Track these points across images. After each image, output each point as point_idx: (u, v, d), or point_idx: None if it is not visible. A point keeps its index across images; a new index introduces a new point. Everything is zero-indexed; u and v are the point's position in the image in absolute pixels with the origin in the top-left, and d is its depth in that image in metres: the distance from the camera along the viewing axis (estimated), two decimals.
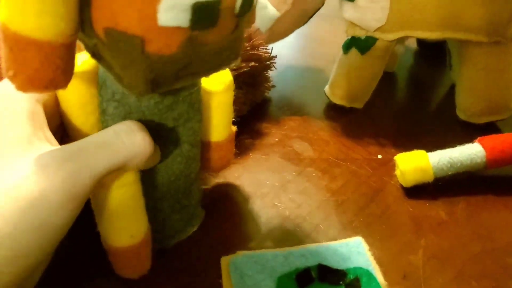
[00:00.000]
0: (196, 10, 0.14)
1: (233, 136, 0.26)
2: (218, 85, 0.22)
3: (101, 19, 0.14)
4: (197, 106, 0.20)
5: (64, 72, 0.14)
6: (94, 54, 0.16)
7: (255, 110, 0.35)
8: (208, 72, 0.17)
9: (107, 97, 0.18)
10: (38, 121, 0.18)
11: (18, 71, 0.13)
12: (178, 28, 0.14)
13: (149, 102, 0.18)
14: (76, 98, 0.19)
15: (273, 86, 0.37)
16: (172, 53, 0.14)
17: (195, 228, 0.25)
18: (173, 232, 0.24)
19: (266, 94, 0.37)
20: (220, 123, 0.24)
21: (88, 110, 0.19)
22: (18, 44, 0.13)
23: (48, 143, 0.17)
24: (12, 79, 0.14)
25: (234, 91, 0.24)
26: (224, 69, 0.18)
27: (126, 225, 0.19)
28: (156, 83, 0.15)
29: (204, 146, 0.24)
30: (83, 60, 0.18)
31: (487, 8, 0.27)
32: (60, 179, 0.15)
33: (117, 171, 0.18)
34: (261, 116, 0.35)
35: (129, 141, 0.17)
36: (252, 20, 0.19)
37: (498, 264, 0.23)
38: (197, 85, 0.20)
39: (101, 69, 0.18)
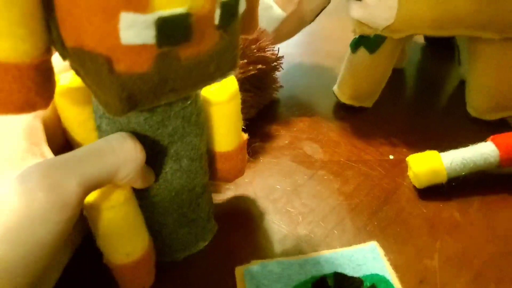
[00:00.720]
0: (161, 27, 0.13)
1: (244, 145, 0.25)
2: (221, 95, 0.21)
3: (68, 39, 0.13)
4: (194, 120, 0.19)
5: (38, 94, 0.14)
6: (76, 72, 0.16)
7: (263, 112, 0.35)
8: (194, 87, 0.16)
9: (99, 113, 0.18)
10: (35, 137, 0.17)
11: None
12: (144, 46, 0.13)
13: (139, 119, 0.18)
14: (74, 116, 0.19)
15: (281, 87, 0.37)
16: (143, 71, 0.14)
17: (206, 243, 0.24)
18: (182, 246, 0.23)
19: (273, 95, 0.37)
20: (227, 133, 0.23)
21: (89, 127, 0.19)
22: None
23: (42, 159, 0.17)
24: None
25: (241, 97, 0.23)
26: (219, 81, 0.17)
27: (119, 244, 0.19)
28: (132, 101, 0.14)
29: (213, 156, 0.24)
30: (75, 77, 0.17)
31: (498, 4, 0.27)
32: (44, 189, 0.15)
33: (108, 181, 0.17)
34: (270, 118, 0.35)
35: (119, 147, 0.17)
36: (253, 26, 0.18)
37: None
38: (190, 98, 0.19)
39: None
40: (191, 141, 0.20)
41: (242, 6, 0.15)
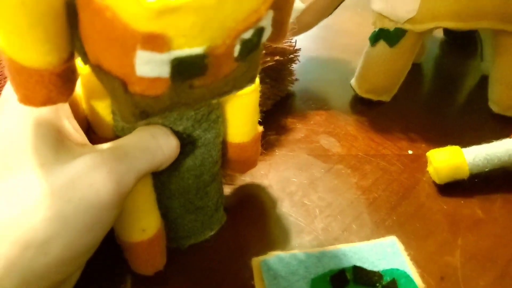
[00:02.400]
0: (176, 65, 0.13)
1: (259, 136, 0.25)
2: None
3: (90, 54, 0.14)
4: (204, 119, 0.20)
5: (59, 93, 0.15)
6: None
7: (279, 105, 0.35)
8: (207, 101, 0.17)
9: None
10: (62, 110, 0.18)
11: (17, 88, 0.14)
12: (158, 78, 0.13)
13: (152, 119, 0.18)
14: (98, 97, 0.19)
15: (296, 80, 0.36)
16: (157, 95, 0.14)
17: (213, 232, 0.24)
18: (187, 233, 0.23)
19: (289, 87, 0.36)
20: (245, 125, 0.23)
21: (106, 105, 0.19)
22: (14, 68, 0.13)
23: (76, 134, 0.18)
24: (15, 92, 0.14)
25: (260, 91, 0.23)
26: (235, 93, 0.17)
27: (136, 219, 0.19)
28: (144, 115, 0.15)
29: (229, 147, 0.24)
30: None
31: None
32: (112, 180, 0.16)
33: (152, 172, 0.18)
34: (286, 111, 0.35)
35: (166, 145, 0.18)
36: (282, 35, 0.18)
37: None
38: (204, 105, 0.19)
39: None
40: (199, 135, 0.20)
41: (266, 36, 0.15)
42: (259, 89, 0.22)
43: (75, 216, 0.15)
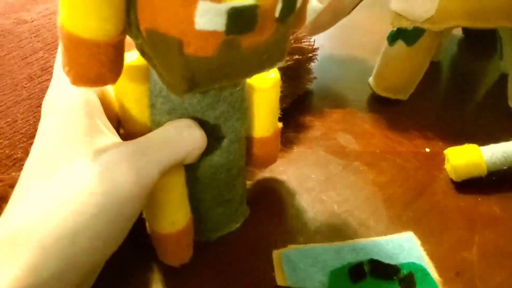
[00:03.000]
0: (232, 16, 0.14)
1: (279, 132, 0.26)
2: (264, 82, 0.22)
3: (144, 21, 0.14)
4: (238, 105, 0.21)
5: (110, 70, 0.15)
6: (142, 52, 0.17)
7: (297, 103, 0.35)
8: (247, 74, 0.18)
9: (156, 92, 0.19)
10: (93, 110, 0.19)
11: (70, 67, 0.15)
12: (214, 32, 0.14)
13: (192, 100, 0.19)
14: (130, 92, 0.20)
15: (314, 78, 0.37)
16: (208, 55, 0.15)
17: (238, 225, 0.25)
18: (216, 225, 0.24)
19: (308, 86, 0.37)
20: (266, 119, 0.24)
21: (144, 103, 0.20)
22: (71, 42, 0.14)
23: (107, 131, 0.19)
24: (67, 74, 0.15)
25: (280, 87, 0.24)
26: (267, 70, 0.18)
27: (167, 212, 0.20)
28: (194, 82, 0.16)
29: (250, 141, 0.25)
30: (137, 56, 0.19)
31: None
32: (133, 173, 0.17)
33: (177, 165, 0.19)
34: (304, 109, 0.35)
35: (189, 136, 0.19)
36: (302, 21, 0.19)
37: None
38: (239, 85, 0.20)
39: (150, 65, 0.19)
40: (233, 125, 0.21)
41: (299, 2, 0.16)
42: (280, 83, 0.23)
43: (100, 209, 0.16)
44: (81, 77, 0.15)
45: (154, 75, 0.19)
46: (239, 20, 0.14)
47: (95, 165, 0.17)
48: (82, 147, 0.17)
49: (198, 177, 0.22)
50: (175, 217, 0.20)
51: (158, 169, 0.17)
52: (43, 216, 0.16)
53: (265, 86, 0.22)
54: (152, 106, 0.20)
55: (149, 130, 0.21)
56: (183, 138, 0.19)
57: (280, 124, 0.26)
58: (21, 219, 0.16)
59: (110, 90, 0.21)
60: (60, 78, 0.20)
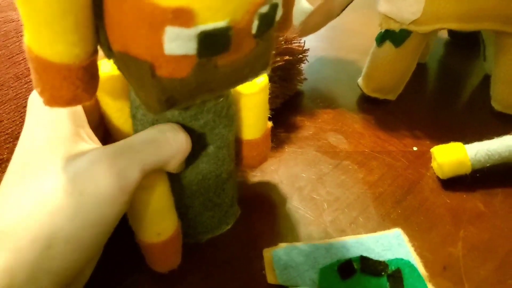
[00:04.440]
0: (202, 40, 0.13)
1: (269, 132, 0.26)
2: (252, 87, 0.22)
3: (114, 43, 0.14)
4: (224, 113, 0.20)
5: (85, 90, 0.15)
6: (117, 67, 0.17)
7: (288, 103, 0.36)
8: (228, 87, 0.17)
9: (136, 104, 0.19)
10: (78, 120, 0.19)
11: (43, 89, 0.14)
12: (185, 56, 0.14)
13: (173, 113, 0.19)
14: (112, 103, 0.20)
15: (305, 79, 0.38)
16: (183, 76, 0.14)
17: (229, 226, 0.26)
18: (205, 228, 0.25)
19: (298, 87, 0.37)
20: (255, 122, 0.24)
21: (126, 112, 0.20)
22: (40, 66, 0.14)
23: (90, 141, 0.18)
24: (40, 95, 0.15)
25: (269, 89, 0.24)
26: (250, 81, 0.17)
27: (152, 224, 0.20)
28: (171, 102, 0.15)
29: (240, 144, 0.25)
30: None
31: None
32: (113, 174, 0.16)
33: (160, 168, 0.18)
34: (295, 109, 0.36)
35: (173, 138, 0.18)
36: (288, 26, 0.19)
37: None
38: (222, 96, 0.20)
39: None
40: (219, 132, 0.21)
41: (279, 14, 0.15)
42: (268, 87, 0.23)
43: (77, 210, 0.16)
44: (55, 99, 0.15)
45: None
46: (211, 43, 0.14)
47: (73, 165, 0.16)
48: (63, 150, 0.17)
49: (185, 184, 0.22)
50: (160, 227, 0.20)
51: (139, 169, 0.17)
52: (19, 217, 0.15)
53: (252, 91, 0.22)
54: (133, 117, 0.20)
55: None
56: (166, 139, 0.18)
57: (270, 124, 0.26)
58: None
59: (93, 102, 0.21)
60: None
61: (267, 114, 0.25)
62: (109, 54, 0.15)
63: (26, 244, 0.15)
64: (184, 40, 0.13)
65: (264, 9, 0.14)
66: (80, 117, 0.19)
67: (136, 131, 0.20)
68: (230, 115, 0.21)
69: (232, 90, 0.21)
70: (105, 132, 0.22)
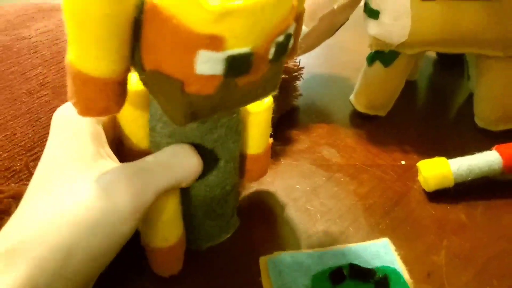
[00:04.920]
0: (229, 62, 0.15)
1: (269, 148, 0.28)
2: (258, 106, 0.24)
3: (148, 62, 0.16)
4: (234, 129, 0.22)
5: (116, 102, 0.17)
6: (144, 83, 0.18)
7: (284, 118, 0.38)
8: (243, 105, 0.19)
9: (156, 117, 0.21)
10: (99, 140, 0.20)
11: (78, 100, 0.16)
12: (213, 76, 0.16)
13: (191, 125, 0.20)
14: (130, 115, 0.22)
15: (300, 95, 0.40)
16: (208, 93, 0.16)
17: (229, 235, 0.27)
18: (207, 236, 0.26)
19: (294, 102, 0.39)
20: (259, 138, 0.26)
21: (139, 123, 0.22)
22: (80, 79, 0.16)
23: (109, 159, 0.20)
24: (74, 105, 0.16)
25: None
26: (261, 100, 0.19)
27: (162, 229, 0.21)
28: (194, 115, 0.17)
29: (245, 158, 0.26)
30: (137, 81, 0.20)
31: (503, 25, 0.29)
32: (129, 194, 0.18)
33: (173, 188, 0.20)
34: (290, 124, 0.38)
35: (186, 162, 0.20)
36: (293, 54, 0.21)
37: None
38: (236, 113, 0.22)
39: None
40: (229, 146, 0.23)
41: (291, 43, 0.18)
42: (272, 106, 0.25)
43: (95, 224, 0.17)
44: (88, 110, 0.16)
45: (155, 102, 0.20)
46: (236, 65, 0.15)
47: (94, 183, 0.18)
48: (84, 168, 0.19)
49: (192, 194, 0.23)
50: (168, 233, 0.22)
51: (154, 192, 0.19)
52: (41, 229, 0.17)
53: (259, 109, 0.24)
54: (152, 129, 0.21)
55: (147, 150, 0.22)
56: (180, 163, 0.20)
57: (270, 140, 0.28)
58: (21, 232, 0.17)
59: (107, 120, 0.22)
60: None
61: (270, 131, 0.27)
62: (140, 71, 0.17)
63: (48, 254, 0.16)
64: (214, 62, 0.15)
65: (281, 38, 0.16)
66: (101, 137, 0.21)
67: (153, 142, 0.22)
68: (238, 131, 0.23)
69: (241, 108, 0.23)
70: (118, 144, 0.24)
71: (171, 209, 0.21)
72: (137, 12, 0.15)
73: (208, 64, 0.15)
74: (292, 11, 0.16)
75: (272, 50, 0.16)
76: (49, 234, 0.17)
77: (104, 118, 0.22)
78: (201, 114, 0.17)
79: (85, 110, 0.16)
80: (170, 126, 0.21)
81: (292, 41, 0.17)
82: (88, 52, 0.15)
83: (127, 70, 0.17)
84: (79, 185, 0.18)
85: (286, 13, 0.16)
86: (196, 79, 0.15)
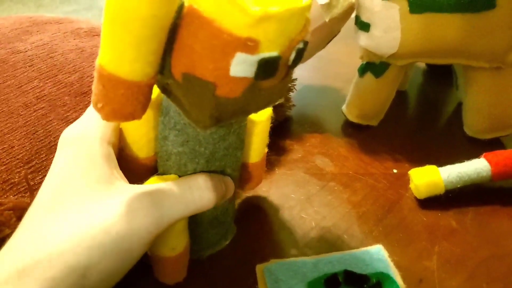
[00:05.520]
0: (261, 65, 0.16)
1: (265, 157, 0.28)
2: (261, 115, 0.25)
3: (180, 65, 0.16)
4: (242, 137, 0.23)
5: (142, 107, 0.17)
6: (165, 90, 0.19)
7: (278, 129, 0.38)
8: (257, 110, 0.20)
9: (170, 126, 0.21)
10: (112, 161, 0.21)
11: (106, 104, 0.16)
12: (244, 78, 0.16)
13: (205, 133, 0.21)
14: (139, 124, 0.22)
15: (293, 105, 0.40)
16: (236, 96, 0.17)
17: (228, 242, 0.28)
18: (208, 244, 0.27)
19: (287, 113, 0.40)
20: (259, 147, 0.26)
21: (142, 132, 0.22)
22: (111, 83, 0.16)
23: (123, 181, 0.20)
24: (100, 110, 0.16)
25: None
26: (272, 106, 0.20)
27: (169, 239, 0.22)
28: (219, 118, 0.18)
29: (244, 167, 0.27)
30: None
31: (487, 38, 0.30)
32: (147, 222, 0.19)
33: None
34: (284, 134, 0.38)
35: (199, 197, 0.21)
36: (301, 62, 0.22)
37: (506, 267, 0.26)
38: (246, 119, 0.23)
39: (165, 101, 0.21)
40: (236, 154, 0.23)
41: (305, 50, 0.18)
42: (272, 116, 0.26)
43: (112, 248, 0.18)
44: (115, 114, 0.16)
45: (169, 110, 0.21)
46: (266, 68, 0.16)
47: (113, 207, 0.18)
48: (102, 189, 0.19)
49: None
50: (175, 243, 0.22)
51: (168, 222, 0.20)
52: (57, 249, 0.17)
53: (262, 118, 0.25)
54: (164, 138, 0.22)
55: (146, 158, 0.23)
56: (194, 198, 0.20)
57: (266, 149, 0.28)
58: (33, 251, 0.17)
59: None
60: (89, 118, 0.22)
61: (268, 140, 0.27)
62: (169, 75, 0.17)
63: (63, 275, 0.17)
64: (248, 64, 0.16)
65: (301, 45, 0.17)
66: (113, 159, 0.21)
67: (164, 151, 0.22)
68: (243, 139, 0.24)
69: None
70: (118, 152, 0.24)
71: (180, 223, 0.22)
72: (175, 16, 0.16)
73: (242, 66, 0.16)
74: (307, 22, 0.17)
75: (292, 56, 0.17)
76: (65, 254, 0.17)
77: (114, 139, 0.22)
78: (224, 117, 0.18)
79: (112, 114, 0.16)
80: (184, 134, 0.21)
81: (306, 49, 0.18)
82: (125, 54, 0.15)
83: (157, 73, 0.17)
84: (98, 207, 0.18)
85: (306, 22, 0.17)
86: (229, 81, 0.16)
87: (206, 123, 0.18)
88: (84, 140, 0.21)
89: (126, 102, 0.16)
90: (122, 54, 0.15)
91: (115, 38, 0.15)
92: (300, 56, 0.18)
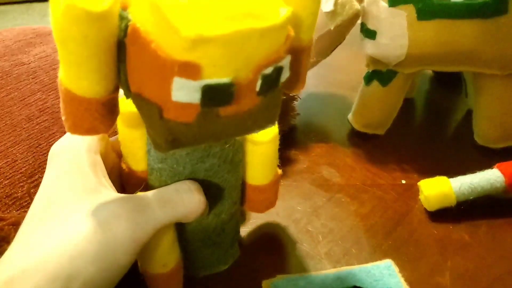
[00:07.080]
0: (206, 92, 0.15)
1: (278, 179, 0.26)
2: (263, 136, 0.23)
3: (132, 84, 0.16)
4: (229, 159, 0.22)
5: (102, 122, 0.17)
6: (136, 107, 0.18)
7: (283, 138, 0.37)
8: (231, 136, 0.19)
9: (150, 140, 0.20)
10: (99, 170, 0.21)
11: (67, 118, 0.17)
12: (190, 104, 0.15)
13: (181, 152, 0.20)
14: (127, 134, 0.22)
15: (298, 114, 0.40)
16: (188, 121, 0.16)
17: (227, 266, 0.26)
18: (203, 264, 0.26)
19: (292, 122, 0.39)
20: (265, 169, 0.25)
21: (138, 145, 0.22)
22: (67, 97, 0.16)
23: (111, 189, 0.20)
24: (64, 122, 0.17)
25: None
26: (256, 132, 0.18)
27: (159, 256, 0.21)
28: (175, 143, 0.17)
29: (249, 189, 0.25)
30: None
31: (499, 45, 0.30)
32: (130, 228, 0.18)
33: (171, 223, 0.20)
34: (289, 144, 0.38)
35: (188, 200, 0.20)
36: (299, 85, 0.20)
37: None
38: (228, 143, 0.21)
39: None
40: (223, 176, 0.22)
41: (284, 76, 0.17)
42: (278, 138, 0.24)
43: (95, 257, 0.17)
44: (76, 127, 0.17)
45: None
46: (214, 95, 0.15)
47: (95, 216, 0.18)
48: (86, 198, 0.19)
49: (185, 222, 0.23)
50: (166, 259, 0.22)
51: (153, 227, 0.19)
52: (41, 258, 0.17)
53: (263, 140, 0.23)
54: (148, 151, 0.21)
55: (145, 171, 0.22)
56: (182, 200, 0.20)
57: (279, 171, 0.26)
58: (22, 260, 0.17)
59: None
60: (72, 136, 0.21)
61: (276, 162, 0.25)
62: (128, 94, 0.17)
63: (46, 283, 0.16)
64: (189, 90, 0.15)
65: (268, 70, 0.16)
66: (101, 168, 0.21)
67: (149, 165, 0.22)
68: (235, 161, 0.22)
69: (241, 138, 0.23)
70: (120, 167, 0.24)
71: (169, 237, 0.21)
72: (121, 34, 0.15)
73: (183, 91, 0.15)
74: (287, 42, 0.16)
75: (259, 83, 0.16)
76: (48, 263, 0.17)
77: (101, 148, 0.22)
78: (183, 142, 0.17)
79: (73, 127, 0.17)
80: None
81: (285, 73, 0.17)
82: (71, 71, 0.15)
83: (113, 92, 0.17)
84: (80, 216, 0.18)
85: (277, 44, 0.15)
86: (173, 105, 0.15)
87: (162, 145, 0.17)
88: (71, 151, 0.21)
89: (82, 117, 0.16)
90: (69, 71, 0.16)
91: (62, 56, 0.15)
92: (271, 83, 0.16)
